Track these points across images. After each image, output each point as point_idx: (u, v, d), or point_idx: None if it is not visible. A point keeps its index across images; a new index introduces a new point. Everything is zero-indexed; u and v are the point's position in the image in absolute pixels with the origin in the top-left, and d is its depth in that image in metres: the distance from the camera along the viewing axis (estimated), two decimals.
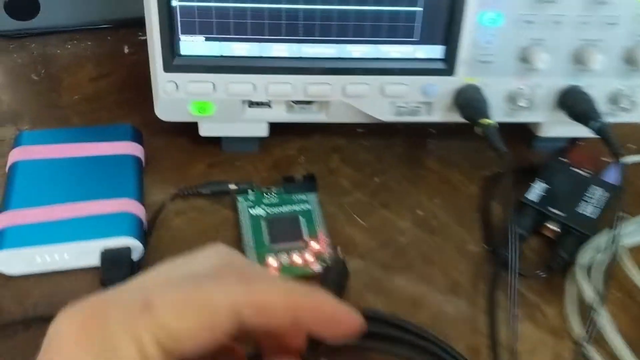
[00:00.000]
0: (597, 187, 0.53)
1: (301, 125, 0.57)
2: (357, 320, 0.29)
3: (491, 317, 0.46)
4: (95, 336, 0.25)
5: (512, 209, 0.48)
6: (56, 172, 0.51)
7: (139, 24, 0.70)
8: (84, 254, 0.47)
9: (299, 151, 0.59)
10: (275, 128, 0.57)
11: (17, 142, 0.53)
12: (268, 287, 0.28)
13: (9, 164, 0.52)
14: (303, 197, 0.53)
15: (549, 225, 0.51)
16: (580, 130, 0.56)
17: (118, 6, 0.70)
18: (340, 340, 0.29)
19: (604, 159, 0.59)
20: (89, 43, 0.69)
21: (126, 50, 0.69)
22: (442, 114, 0.54)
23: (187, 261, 0.29)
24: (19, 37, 0.69)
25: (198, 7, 0.48)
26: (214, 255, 0.29)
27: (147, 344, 0.25)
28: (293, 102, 0.54)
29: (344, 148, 0.60)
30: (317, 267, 0.48)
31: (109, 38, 0.70)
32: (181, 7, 0.48)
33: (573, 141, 0.60)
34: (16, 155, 0.52)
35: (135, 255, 0.47)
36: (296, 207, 0.52)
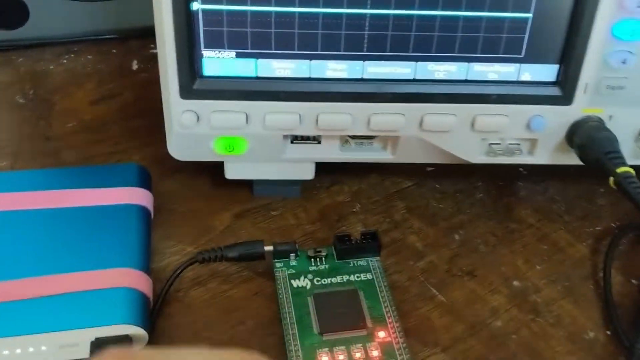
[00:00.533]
0: None
1: (354, 163, 0.44)
2: None
3: None
4: None
5: None
6: (33, 231, 0.38)
7: (151, 34, 0.58)
8: (68, 346, 0.34)
9: (353, 197, 0.46)
10: (322, 165, 0.44)
11: None
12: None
13: None
14: (363, 262, 0.40)
15: None
16: None
17: (126, 13, 0.58)
18: None
19: None
20: (90, 57, 0.57)
21: (135, 66, 0.56)
22: (549, 155, 0.41)
23: None
24: (3, 49, 0.56)
25: (228, 11, 0.36)
26: None
27: None
28: (350, 136, 0.41)
29: (410, 193, 0.46)
30: None
31: (114, 51, 0.58)
32: (205, 11, 0.35)
33: None
34: None
35: (138, 346, 0.35)
36: (354, 277, 0.39)
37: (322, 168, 0.44)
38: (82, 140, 0.49)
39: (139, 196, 0.41)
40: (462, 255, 0.42)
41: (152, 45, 0.58)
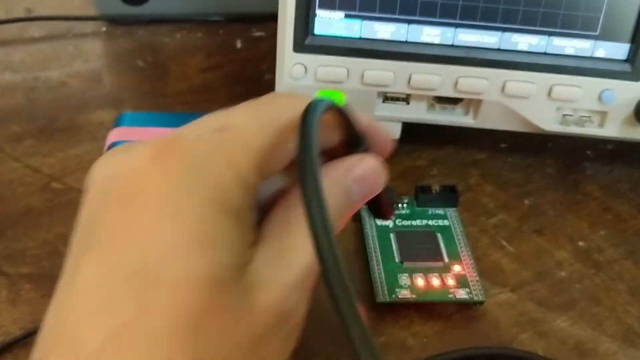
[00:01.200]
0: None
1: (433, 135, 0.49)
2: (393, 142, 0.29)
3: None
4: (182, 165, 0.22)
5: None
6: None
7: (254, 19, 0.65)
8: None
9: (430, 163, 0.51)
10: (403, 134, 0.49)
11: (117, 123, 0.47)
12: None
13: (106, 146, 0.46)
14: (441, 211, 0.44)
15: None
16: None
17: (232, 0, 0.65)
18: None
19: None
20: (199, 35, 0.64)
21: (239, 45, 0.63)
22: (617, 128, 0.44)
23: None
24: (127, 23, 0.64)
25: None
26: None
27: (241, 161, 0.22)
28: (435, 99, 0.46)
29: (484, 163, 0.51)
30: (460, 294, 0.39)
31: (220, 32, 0.65)
32: None
33: None
34: (115, 136, 0.46)
35: None
36: (432, 223, 0.44)
37: (405, 136, 0.49)
38: (193, 99, 0.55)
39: None
40: (531, 216, 0.46)
41: (254, 29, 0.64)
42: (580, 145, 0.52)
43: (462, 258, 0.41)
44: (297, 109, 0.24)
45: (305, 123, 0.23)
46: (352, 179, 0.25)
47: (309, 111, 0.23)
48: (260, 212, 0.25)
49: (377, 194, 0.27)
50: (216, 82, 0.57)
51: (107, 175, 0.23)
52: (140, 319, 0.19)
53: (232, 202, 0.22)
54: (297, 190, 0.22)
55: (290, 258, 0.23)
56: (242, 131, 0.23)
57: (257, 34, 0.64)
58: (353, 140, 0.27)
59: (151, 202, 0.21)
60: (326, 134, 0.25)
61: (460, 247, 0.42)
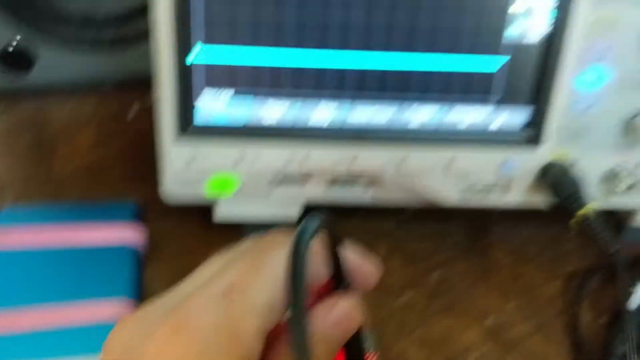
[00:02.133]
0: None
1: (339, 205, 0.47)
2: (379, 271, 0.30)
3: None
4: (195, 346, 0.23)
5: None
6: (32, 265, 0.40)
7: (148, 84, 0.61)
8: None
9: None
10: (308, 208, 0.46)
11: None
12: None
13: None
14: None
15: None
16: None
17: (127, 63, 0.61)
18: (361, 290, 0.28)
19: None
20: (91, 104, 0.60)
21: (134, 113, 0.59)
22: (521, 196, 0.43)
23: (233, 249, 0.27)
24: (10, 95, 0.59)
25: (222, 57, 0.39)
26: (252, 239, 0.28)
27: (248, 330, 0.23)
28: (334, 179, 0.44)
29: (392, 234, 0.49)
30: None
31: (115, 99, 0.61)
32: (201, 57, 0.39)
33: None
34: None
35: None
36: None
37: (308, 209, 0.47)
38: (82, 183, 0.51)
39: (133, 234, 0.44)
40: (440, 292, 0.44)
41: (150, 95, 0.61)
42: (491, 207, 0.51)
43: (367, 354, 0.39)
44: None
45: (294, 271, 0.22)
46: (330, 324, 0.26)
47: (297, 253, 0.23)
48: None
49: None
50: (108, 160, 0.54)
51: (124, 348, 0.24)
52: None
53: None
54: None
55: None
56: (247, 294, 0.24)
57: (153, 100, 0.60)
58: (337, 276, 0.27)
59: None
60: (316, 269, 0.26)
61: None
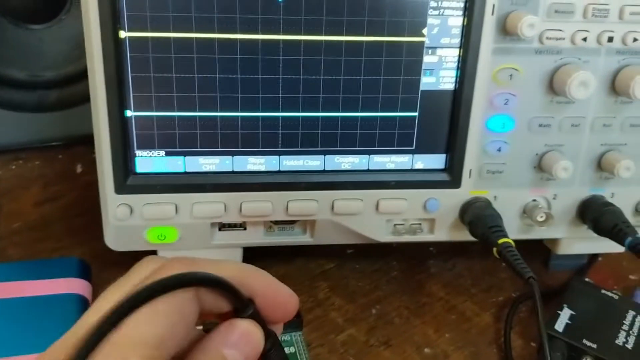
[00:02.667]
0: (631, 312, 0.45)
1: (281, 247, 0.49)
2: (297, 300, 0.30)
3: None
4: None
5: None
6: None
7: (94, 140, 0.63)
8: None
9: (280, 279, 0.50)
10: (250, 252, 0.48)
11: None
12: (217, 265, 0.28)
13: None
14: (286, 337, 0.44)
15: None
16: (604, 246, 0.49)
17: (71, 122, 0.63)
18: (281, 321, 0.30)
19: (632, 277, 0.52)
20: (37, 163, 0.61)
21: (79, 169, 0.61)
22: (446, 232, 0.46)
23: (126, 279, 0.27)
24: None
25: (157, 117, 0.41)
26: (150, 263, 0.28)
27: None
28: (272, 222, 0.46)
29: (332, 274, 0.51)
30: None
31: (60, 157, 0.63)
32: (137, 117, 0.41)
33: (592, 257, 0.53)
34: None
35: None
36: None
37: (250, 254, 0.49)
38: (26, 239, 0.52)
39: (79, 287, 0.45)
40: (378, 327, 0.46)
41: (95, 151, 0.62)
42: (424, 243, 0.54)
43: None
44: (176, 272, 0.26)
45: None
46: (227, 346, 0.27)
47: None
48: None
49: (260, 352, 0.28)
50: (53, 216, 0.55)
51: None
52: None
53: None
54: (198, 351, 0.26)
55: None
56: (129, 333, 0.24)
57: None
58: (238, 306, 0.28)
59: None
60: (214, 302, 0.27)
61: None
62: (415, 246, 0.54)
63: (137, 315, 0.24)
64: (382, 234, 0.46)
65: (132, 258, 0.45)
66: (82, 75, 0.62)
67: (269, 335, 0.30)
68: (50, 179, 0.59)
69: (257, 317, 0.29)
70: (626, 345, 0.43)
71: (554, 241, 0.50)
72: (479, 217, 0.43)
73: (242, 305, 0.28)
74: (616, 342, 0.43)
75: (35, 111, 0.62)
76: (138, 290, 0.24)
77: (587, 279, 0.49)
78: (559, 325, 0.44)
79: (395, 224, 0.46)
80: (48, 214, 0.55)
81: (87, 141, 0.62)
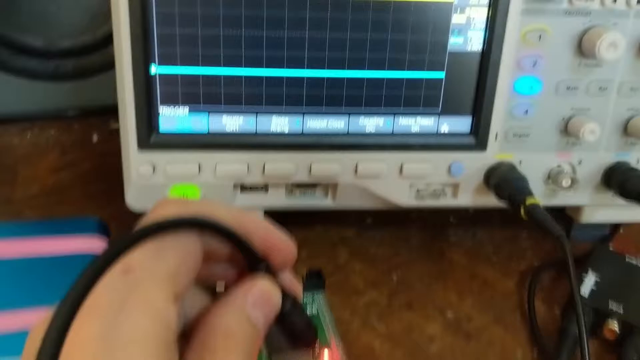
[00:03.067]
0: None
1: (301, 214, 0.48)
2: (294, 246, 0.30)
3: None
4: (102, 325, 0.22)
5: (579, 298, 0.39)
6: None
7: (111, 111, 0.63)
8: None
9: (301, 244, 0.49)
10: (271, 216, 0.48)
11: None
12: (212, 206, 0.27)
13: None
14: (308, 298, 0.43)
15: (609, 324, 0.42)
16: (628, 214, 0.49)
17: (87, 92, 0.62)
18: (282, 268, 0.30)
19: None
20: (53, 132, 0.61)
21: (95, 139, 0.60)
22: (470, 196, 0.46)
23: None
24: None
25: (182, 73, 0.41)
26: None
27: (157, 301, 0.23)
28: (294, 185, 0.46)
29: (352, 240, 0.51)
30: None
31: (75, 127, 0.62)
32: (162, 74, 0.40)
33: (615, 228, 0.53)
34: None
35: None
36: None
37: (274, 218, 0.48)
38: (43, 203, 0.52)
39: (98, 245, 0.44)
40: (400, 291, 0.46)
41: (111, 121, 0.62)
42: (443, 212, 0.54)
43: (332, 345, 0.40)
44: (185, 212, 0.25)
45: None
46: (250, 305, 0.27)
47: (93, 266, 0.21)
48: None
49: (278, 311, 0.29)
50: (70, 182, 0.54)
51: (34, 341, 0.22)
52: None
53: (156, 348, 0.23)
54: (214, 314, 0.26)
55: None
56: (146, 266, 0.24)
57: (115, 126, 0.61)
58: (252, 261, 0.28)
59: None
60: (218, 247, 0.27)
61: (329, 333, 0.41)
62: (434, 216, 0.53)
63: (144, 250, 0.24)
64: (405, 198, 0.45)
65: None
66: (99, 45, 0.62)
67: (286, 296, 0.30)
68: (66, 147, 0.59)
69: (272, 274, 0.28)
70: None
71: (577, 209, 0.49)
72: (505, 179, 0.43)
73: (254, 258, 0.28)
74: None
75: (51, 80, 0.61)
76: (144, 225, 0.24)
77: (610, 247, 0.48)
78: (584, 291, 0.43)
79: (418, 189, 0.45)
80: (65, 180, 0.55)
81: (103, 112, 0.63)
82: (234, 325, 0.26)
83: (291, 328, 0.31)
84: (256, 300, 0.27)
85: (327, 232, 0.51)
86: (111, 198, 0.51)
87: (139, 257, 0.24)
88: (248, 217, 0.28)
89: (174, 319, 0.24)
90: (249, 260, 0.28)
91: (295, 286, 0.32)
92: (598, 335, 0.43)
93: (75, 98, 0.62)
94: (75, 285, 0.21)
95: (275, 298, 0.28)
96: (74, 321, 0.20)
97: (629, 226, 0.53)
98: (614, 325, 0.42)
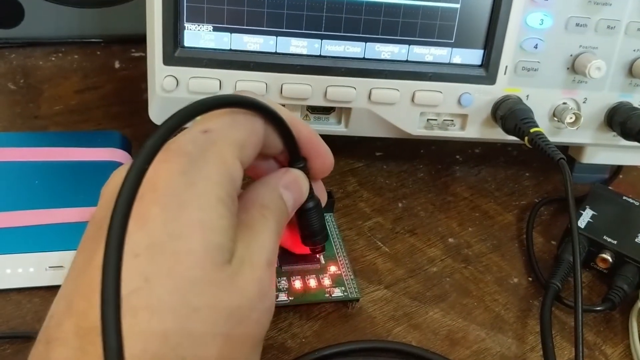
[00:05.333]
0: None
1: None
2: (332, 157, 0.35)
3: (547, 357, 0.38)
4: (182, 164, 0.26)
5: (575, 221, 0.41)
6: (29, 178, 0.43)
7: (133, 40, 0.65)
8: (55, 268, 0.38)
9: None
10: None
11: None
12: (281, 108, 0.32)
13: None
14: None
15: (602, 255, 0.44)
16: (628, 158, 0.50)
17: (111, 21, 0.64)
18: (320, 175, 0.35)
19: None
20: (76, 57, 0.63)
21: (117, 65, 0.62)
22: (478, 129, 0.47)
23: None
24: None
25: None
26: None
27: (226, 156, 0.27)
28: (309, 109, 0.47)
29: (361, 171, 0.53)
30: (336, 293, 0.40)
31: (98, 53, 0.64)
32: None
33: (615, 172, 0.54)
34: None
35: None
36: None
37: None
38: (67, 121, 0.54)
39: (121, 156, 0.46)
40: (404, 218, 0.48)
41: (133, 50, 0.64)
42: (450, 150, 0.56)
43: (338, 259, 0.42)
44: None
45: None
46: (282, 185, 0.32)
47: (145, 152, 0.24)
48: None
49: (303, 200, 0.33)
50: (93, 103, 0.56)
51: (117, 179, 0.26)
52: (143, 288, 0.23)
53: (225, 192, 0.27)
54: (252, 190, 0.31)
55: (260, 244, 0.28)
56: (222, 130, 0.28)
57: (136, 54, 0.63)
58: (294, 157, 0.33)
59: (160, 196, 0.25)
60: (273, 140, 0.31)
61: (336, 249, 0.43)
62: (442, 154, 0.55)
63: (222, 118, 0.28)
64: (415, 127, 0.47)
65: None
66: None
67: (313, 197, 0.35)
68: (89, 71, 0.61)
69: (307, 173, 0.33)
70: None
71: (579, 150, 0.51)
72: (511, 110, 0.45)
73: (297, 156, 0.33)
74: (636, 240, 0.44)
75: (76, 6, 0.63)
76: (222, 96, 0.28)
77: (610, 187, 0.50)
78: (581, 223, 0.45)
79: (428, 119, 0.47)
80: (88, 101, 0.57)
81: (126, 40, 0.65)
82: (268, 199, 0.30)
83: (309, 224, 0.36)
84: (288, 183, 0.32)
85: (338, 162, 0.53)
86: (132, 119, 0.54)
87: (217, 123, 0.28)
88: (301, 122, 0.33)
89: (239, 175, 0.28)
90: (292, 156, 0.33)
91: (323, 195, 0.36)
92: (591, 266, 0.45)
93: (98, 25, 0.64)
94: (157, 132, 0.24)
95: (304, 187, 0.33)
96: (154, 161, 0.24)
97: (628, 171, 0.55)
98: (607, 256, 0.44)
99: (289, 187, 0.32)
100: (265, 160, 0.33)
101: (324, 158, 0.35)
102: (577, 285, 0.38)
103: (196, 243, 0.25)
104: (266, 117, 0.30)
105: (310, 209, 0.35)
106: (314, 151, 0.34)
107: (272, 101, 0.31)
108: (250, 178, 0.33)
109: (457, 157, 0.55)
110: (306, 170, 0.34)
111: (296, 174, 0.33)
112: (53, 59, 0.62)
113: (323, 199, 0.36)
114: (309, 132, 0.33)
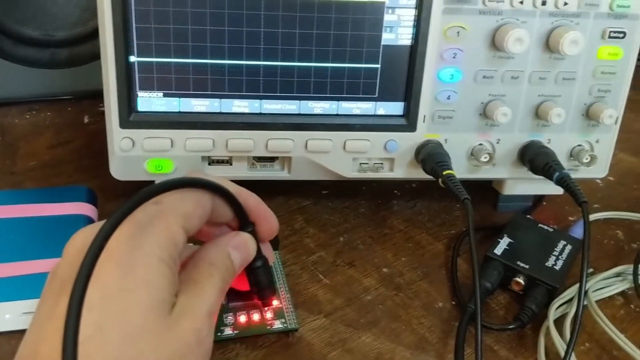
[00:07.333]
0: (562, 241, 0.52)
1: (264, 186, 0.56)
2: (277, 221, 0.41)
3: None
4: (132, 230, 0.31)
5: (476, 259, 0.47)
6: (3, 232, 0.48)
7: (100, 95, 0.70)
8: (28, 314, 0.44)
9: None
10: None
11: None
12: (224, 181, 0.38)
13: None
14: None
15: (516, 278, 0.50)
16: (544, 188, 0.56)
17: (80, 78, 0.70)
18: (267, 237, 0.41)
19: (570, 218, 0.60)
20: (49, 114, 0.69)
21: (86, 120, 0.68)
22: (404, 170, 0.53)
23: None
24: None
25: (157, 63, 0.48)
26: None
27: (172, 224, 0.32)
28: (255, 159, 0.53)
29: (308, 209, 0.58)
30: (276, 325, 0.45)
31: (69, 109, 0.70)
32: (139, 63, 0.48)
33: (537, 201, 0.60)
34: None
35: None
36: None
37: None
38: (41, 175, 0.60)
39: (87, 209, 0.52)
40: (345, 251, 0.54)
41: (101, 105, 0.70)
42: (390, 186, 0.61)
43: (280, 293, 0.48)
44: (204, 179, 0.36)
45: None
46: (231, 246, 0.37)
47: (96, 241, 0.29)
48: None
49: (251, 260, 0.39)
50: (64, 157, 0.62)
51: (79, 240, 0.32)
52: (96, 336, 0.28)
53: (167, 255, 0.32)
54: (203, 250, 0.36)
55: (203, 298, 0.33)
56: (171, 203, 0.33)
57: (103, 108, 0.69)
58: (243, 222, 0.39)
59: (112, 256, 0.30)
60: (222, 210, 0.37)
61: (279, 284, 0.49)
62: (382, 189, 0.61)
63: (172, 194, 0.34)
64: (349, 171, 0.53)
65: (134, 189, 0.53)
66: (90, 36, 0.69)
67: (261, 256, 0.41)
68: (61, 127, 0.67)
69: (255, 236, 0.40)
70: (554, 267, 0.50)
71: (500, 182, 0.57)
72: (430, 154, 0.51)
73: (245, 221, 0.39)
74: (546, 264, 0.50)
75: (48, 67, 0.69)
76: (174, 179, 0.34)
77: (528, 216, 0.56)
78: (498, 250, 0.51)
79: (360, 163, 0.53)
80: (60, 155, 0.62)
81: (94, 96, 0.70)
82: (216, 258, 0.36)
83: (257, 281, 0.42)
84: (237, 244, 0.38)
85: (287, 202, 0.59)
86: (100, 171, 0.59)
87: (168, 197, 0.34)
88: (248, 192, 0.39)
89: (181, 242, 0.33)
90: (241, 221, 0.39)
91: (270, 255, 0.43)
92: (509, 289, 0.51)
93: (68, 83, 0.70)
94: (122, 209, 0.31)
95: (252, 248, 0.39)
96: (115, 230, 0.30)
97: (551, 199, 0.60)
98: (520, 279, 0.50)
99: (238, 248, 0.38)
100: (218, 227, 0.39)
101: (269, 222, 0.41)
102: (477, 301, 0.43)
103: (143, 297, 0.30)
104: (215, 192, 0.36)
105: (258, 267, 0.41)
106: (261, 216, 0.40)
107: (221, 177, 0.38)
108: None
109: (395, 191, 0.61)
110: (254, 233, 0.40)
111: (245, 237, 0.39)
112: (27, 116, 0.68)
113: (270, 258, 0.42)
114: (255, 200, 0.40)
